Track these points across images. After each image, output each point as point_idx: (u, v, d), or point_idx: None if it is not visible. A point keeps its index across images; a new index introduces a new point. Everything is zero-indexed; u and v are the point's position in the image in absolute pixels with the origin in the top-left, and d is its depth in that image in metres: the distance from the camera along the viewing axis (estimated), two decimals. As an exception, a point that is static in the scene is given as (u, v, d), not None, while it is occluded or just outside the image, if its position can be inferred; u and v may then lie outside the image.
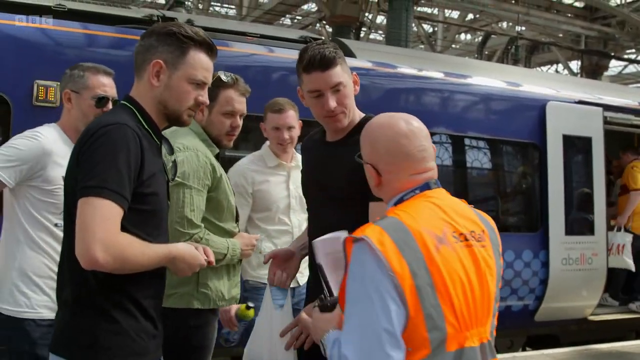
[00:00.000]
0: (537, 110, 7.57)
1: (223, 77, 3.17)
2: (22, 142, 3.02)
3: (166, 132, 2.93)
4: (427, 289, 1.81)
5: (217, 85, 3.11)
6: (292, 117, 4.21)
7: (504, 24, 25.39)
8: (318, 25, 24.04)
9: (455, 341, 1.86)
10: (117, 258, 1.99)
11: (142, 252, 2.07)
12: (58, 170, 2.95)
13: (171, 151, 2.44)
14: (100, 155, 2.05)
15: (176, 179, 2.83)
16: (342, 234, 2.10)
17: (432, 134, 6.83)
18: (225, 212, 3.23)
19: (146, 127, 2.23)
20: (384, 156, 2.06)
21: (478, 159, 7.74)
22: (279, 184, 4.32)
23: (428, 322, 1.80)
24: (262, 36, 6.40)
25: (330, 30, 21.38)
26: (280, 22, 24.58)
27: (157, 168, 2.23)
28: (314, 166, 2.79)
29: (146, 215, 2.16)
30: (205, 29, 5.85)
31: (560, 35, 23.54)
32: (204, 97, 2.31)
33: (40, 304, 2.92)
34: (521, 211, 8.05)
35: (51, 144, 3.04)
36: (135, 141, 2.09)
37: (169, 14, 6.26)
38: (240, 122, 3.28)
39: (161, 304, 2.32)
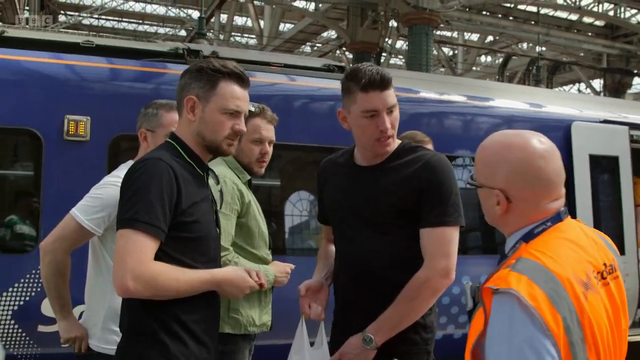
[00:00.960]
0: (562, 130, 7.53)
1: (251, 108, 3.22)
2: (104, 191, 3.09)
3: None
4: (579, 345, 1.65)
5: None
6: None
7: (524, 45, 25.41)
8: (338, 52, 24.24)
9: None
10: (147, 286, 2.11)
11: (176, 278, 2.16)
12: None
13: (217, 181, 2.55)
14: (133, 189, 2.19)
15: None
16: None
17: (455, 157, 6.90)
18: (256, 238, 3.29)
19: (188, 159, 2.34)
20: (518, 181, 1.81)
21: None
22: None
23: None
24: (286, 65, 6.46)
25: (350, 56, 21.54)
26: (301, 50, 24.79)
27: (200, 197, 2.32)
28: (347, 191, 2.74)
29: (190, 243, 2.26)
30: (231, 60, 5.98)
31: (582, 54, 23.52)
32: (241, 125, 2.39)
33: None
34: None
35: None
36: (168, 173, 2.19)
37: (193, 46, 6.35)
38: (269, 149, 3.35)
39: (216, 329, 2.41)
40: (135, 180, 2.19)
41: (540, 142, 1.84)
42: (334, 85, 6.57)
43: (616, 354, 1.76)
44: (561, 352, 1.59)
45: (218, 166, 3.19)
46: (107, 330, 3.05)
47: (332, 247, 2.93)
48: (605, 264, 1.82)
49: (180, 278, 2.17)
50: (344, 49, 22.67)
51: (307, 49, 25.94)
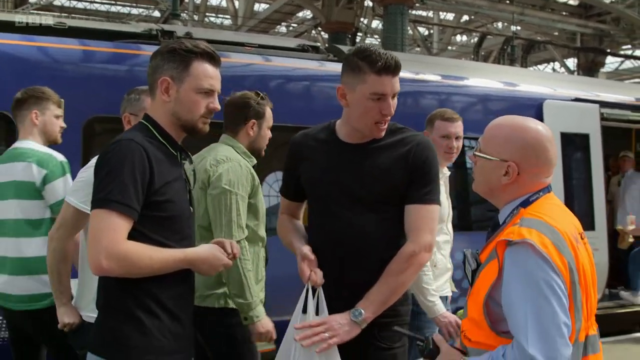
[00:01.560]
0: (534, 109, 7.63)
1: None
2: (91, 171, 3.13)
3: (206, 148, 3.37)
4: (576, 285, 1.97)
5: (264, 104, 3.55)
6: (461, 127, 4.23)
7: (499, 25, 25.50)
8: (313, 32, 24.15)
9: (584, 331, 2.03)
10: (121, 264, 2.17)
11: (149, 256, 2.22)
12: None
13: (191, 161, 2.56)
14: (106, 170, 2.23)
15: (223, 186, 3.21)
16: None
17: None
18: (261, 218, 3.44)
19: (161, 139, 2.37)
20: (531, 157, 2.11)
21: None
22: (443, 193, 4.06)
23: (576, 314, 1.96)
24: (260, 46, 6.47)
25: (326, 36, 21.48)
26: (276, 30, 24.68)
27: (173, 176, 2.36)
28: (333, 167, 2.74)
29: (163, 221, 2.31)
30: (206, 41, 5.97)
31: (556, 33, 23.65)
32: (215, 103, 2.43)
33: None
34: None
35: None
36: (140, 154, 2.23)
37: (167, 27, 6.33)
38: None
39: (191, 304, 2.47)
40: (108, 161, 2.23)
41: (546, 130, 2.16)
42: (308, 65, 6.62)
43: (594, 301, 2.09)
44: (568, 289, 1.92)
45: (228, 150, 3.42)
46: None
47: (299, 222, 2.98)
48: (581, 231, 2.14)
49: (154, 257, 2.22)
50: (319, 29, 22.58)
51: (283, 29, 25.82)
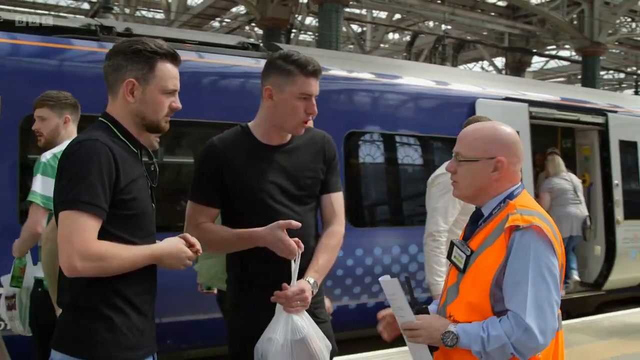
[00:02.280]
0: (467, 107, 7.89)
1: None
2: None
3: None
4: (561, 268, 2.26)
5: None
6: None
7: (431, 24, 25.99)
8: (247, 28, 24.08)
9: (558, 309, 2.25)
10: (95, 265, 2.18)
11: (120, 255, 2.23)
12: None
13: (151, 158, 2.57)
14: (73, 170, 2.23)
15: None
16: (395, 281, 2.36)
17: (365, 133, 7.08)
18: None
19: (122, 138, 2.38)
20: (513, 151, 2.38)
21: (411, 155, 8.02)
22: None
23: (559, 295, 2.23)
24: (201, 43, 6.48)
25: (260, 32, 21.45)
26: (209, 25, 24.48)
27: (137, 174, 2.38)
28: (265, 170, 2.88)
29: (129, 219, 2.32)
30: (144, 37, 5.94)
31: (485, 33, 24.29)
32: (177, 102, 2.46)
33: None
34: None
35: None
36: (106, 153, 2.24)
37: (106, 22, 6.27)
38: None
39: (154, 300, 2.49)
40: (74, 162, 2.23)
41: (512, 130, 2.44)
42: (245, 62, 6.67)
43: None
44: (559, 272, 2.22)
45: None
46: None
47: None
48: None
49: (124, 255, 2.24)
50: (253, 24, 22.54)
51: (216, 24, 25.62)
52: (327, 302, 3.38)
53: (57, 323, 2.39)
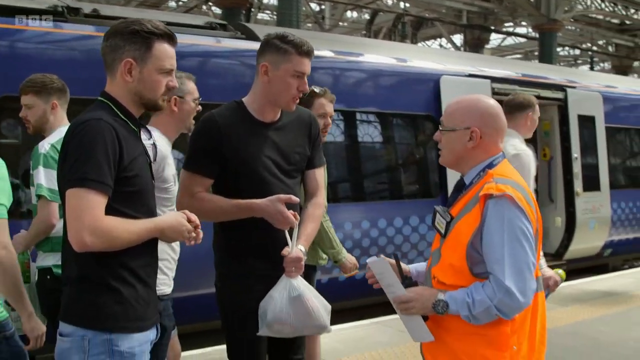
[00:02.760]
0: (432, 83, 8.04)
1: (316, 90, 4.24)
2: None
3: None
4: (537, 233, 2.41)
5: (312, 95, 4.18)
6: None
7: (389, 1, 26.06)
8: (204, 7, 23.81)
9: (536, 273, 2.40)
10: (104, 240, 2.25)
11: (127, 230, 2.32)
12: (170, 169, 3.43)
13: (150, 135, 2.65)
14: (80, 149, 2.28)
15: None
16: (382, 260, 2.51)
17: (336, 111, 7.18)
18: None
19: (123, 117, 2.45)
20: (490, 122, 2.49)
21: (378, 132, 8.15)
22: None
23: (535, 257, 2.37)
24: (169, 23, 6.45)
25: (217, 12, 21.21)
26: (166, 5, 24.15)
27: (138, 152, 2.45)
28: (261, 145, 3.07)
29: (132, 196, 2.40)
30: (113, 18, 5.93)
31: (444, 10, 24.44)
32: (174, 81, 2.53)
33: (160, 282, 3.12)
34: (421, 179, 8.53)
35: (164, 147, 3.38)
36: (110, 132, 2.30)
37: (72, 3, 6.22)
38: (330, 121, 4.30)
39: (156, 272, 2.59)
40: (80, 141, 2.29)
41: (496, 102, 2.56)
42: (212, 42, 6.68)
43: (538, 251, 2.48)
44: (534, 235, 2.36)
45: None
46: None
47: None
48: None
49: (130, 229, 2.32)
50: (210, 4, 22.32)
51: (172, 3, 25.26)
52: (353, 259, 4.29)
53: (63, 297, 2.44)
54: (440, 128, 2.57)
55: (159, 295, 3.23)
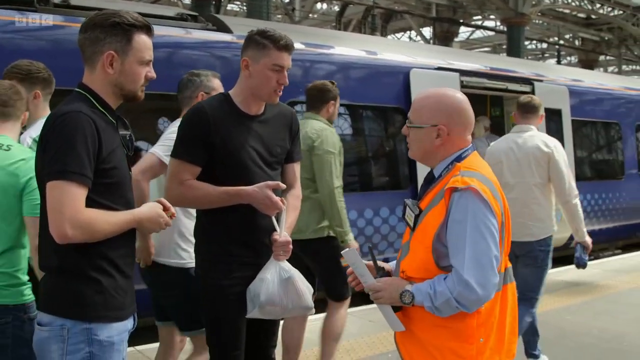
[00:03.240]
0: (402, 76, 8.10)
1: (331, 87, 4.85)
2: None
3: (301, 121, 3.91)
4: (503, 226, 2.40)
5: (331, 90, 4.83)
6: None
7: (360, -6, 26.03)
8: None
9: (504, 264, 2.45)
10: (84, 231, 2.29)
11: (107, 221, 2.35)
12: None
13: (126, 127, 2.64)
14: (60, 141, 2.31)
15: (325, 148, 4.56)
16: (353, 250, 2.57)
17: (298, 103, 7.22)
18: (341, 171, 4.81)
19: (101, 109, 2.46)
20: (456, 118, 2.49)
21: (348, 124, 8.19)
22: None
23: (502, 250, 2.39)
24: (141, 14, 6.40)
25: (186, 2, 21.06)
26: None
27: (116, 144, 2.47)
28: (247, 137, 3.17)
29: (110, 187, 2.42)
30: (83, 8, 5.88)
31: (413, 3, 24.51)
32: (152, 72, 2.56)
33: (193, 256, 3.45)
34: (392, 172, 8.59)
35: None
36: (90, 125, 2.32)
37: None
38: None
39: (134, 262, 2.63)
40: (60, 133, 2.31)
41: (462, 95, 2.56)
42: (181, 33, 6.66)
43: (509, 241, 2.53)
44: (499, 228, 2.35)
45: (319, 124, 4.71)
46: (179, 249, 3.85)
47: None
48: None
49: (110, 221, 2.37)
50: (180, -6, 22.14)
51: (142, -6, 25.01)
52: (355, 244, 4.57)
53: (41, 286, 2.46)
54: (408, 124, 2.58)
55: (189, 267, 3.73)
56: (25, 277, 3.04)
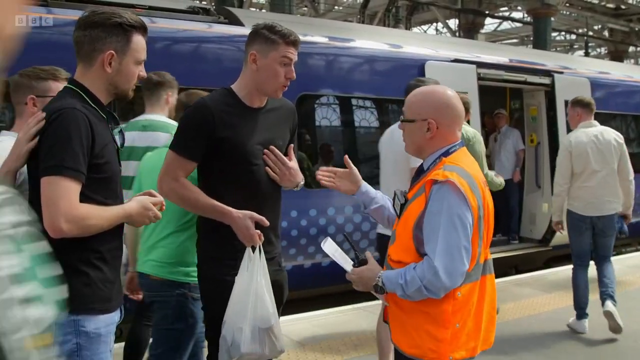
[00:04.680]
0: (416, 69, 8.02)
1: None
2: None
3: None
4: (482, 220, 2.52)
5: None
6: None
7: (384, -15, 25.88)
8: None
9: (484, 256, 2.59)
10: (79, 226, 2.35)
11: (100, 216, 2.43)
12: None
13: (116, 122, 2.70)
14: (55, 138, 2.37)
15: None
16: (330, 241, 2.74)
17: (321, 96, 7.22)
18: None
19: (92, 105, 2.52)
20: (444, 112, 2.62)
21: (364, 117, 8.14)
22: None
23: (479, 242, 2.51)
24: (151, 7, 6.45)
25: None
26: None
27: (108, 139, 2.54)
28: (252, 129, 3.20)
29: (103, 182, 2.49)
30: (95, 2, 5.89)
31: (438, -6, 24.32)
32: (143, 71, 2.65)
33: None
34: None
35: None
36: (84, 121, 2.39)
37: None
38: None
39: (122, 255, 2.69)
40: (55, 129, 2.37)
41: (452, 91, 2.70)
42: (195, 27, 6.66)
43: (491, 233, 2.67)
44: (475, 221, 2.46)
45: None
46: None
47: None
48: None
49: (103, 215, 2.44)
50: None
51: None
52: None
53: None
54: (401, 119, 2.74)
55: None
56: (193, 259, 3.32)
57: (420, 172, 2.71)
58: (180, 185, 3.11)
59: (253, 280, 3.01)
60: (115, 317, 2.57)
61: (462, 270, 2.43)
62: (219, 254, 3.16)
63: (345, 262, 2.69)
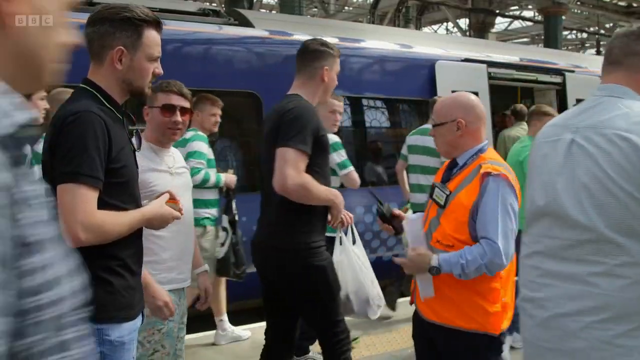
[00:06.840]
0: (427, 69, 8.01)
1: None
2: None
3: None
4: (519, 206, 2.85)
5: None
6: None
7: (394, -15, 25.85)
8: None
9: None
10: (97, 234, 2.27)
11: (118, 222, 2.34)
12: None
13: (132, 123, 2.61)
14: (71, 143, 2.26)
15: None
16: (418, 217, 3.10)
17: (345, 97, 7.21)
18: None
19: (108, 105, 2.42)
20: (470, 113, 2.99)
21: (377, 118, 8.14)
22: None
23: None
24: (162, 10, 6.47)
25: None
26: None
27: (125, 141, 2.45)
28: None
29: (120, 186, 2.40)
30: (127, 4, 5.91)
31: (448, -6, 24.27)
32: (159, 68, 2.52)
33: None
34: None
35: None
36: (100, 125, 2.29)
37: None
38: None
39: (142, 259, 2.60)
40: (71, 133, 2.27)
41: (475, 97, 3.09)
42: (207, 29, 6.69)
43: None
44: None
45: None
46: None
47: None
48: None
49: (121, 221, 2.35)
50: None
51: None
52: None
53: None
54: (432, 124, 3.11)
55: None
56: None
57: (452, 166, 3.04)
58: (308, 178, 3.31)
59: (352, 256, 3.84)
60: (137, 323, 2.52)
61: (513, 252, 2.82)
62: (318, 243, 3.48)
63: (413, 242, 2.97)
